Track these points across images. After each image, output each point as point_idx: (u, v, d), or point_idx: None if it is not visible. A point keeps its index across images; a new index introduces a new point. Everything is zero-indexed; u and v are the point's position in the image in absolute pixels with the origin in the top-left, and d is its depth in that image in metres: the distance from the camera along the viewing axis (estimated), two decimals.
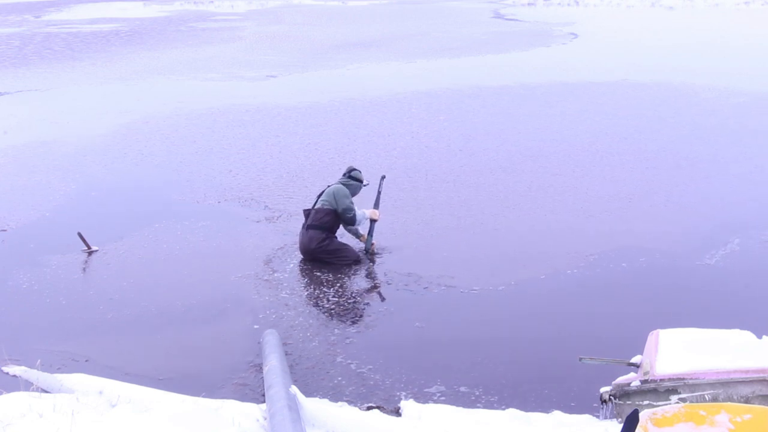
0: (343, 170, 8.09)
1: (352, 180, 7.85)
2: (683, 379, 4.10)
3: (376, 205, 7.93)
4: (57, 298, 6.93)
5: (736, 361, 4.07)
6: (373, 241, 7.85)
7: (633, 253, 7.72)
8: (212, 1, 57.81)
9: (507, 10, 44.87)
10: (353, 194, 7.82)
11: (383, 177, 8.19)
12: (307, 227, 7.60)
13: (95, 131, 13.84)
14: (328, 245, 7.57)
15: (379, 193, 8.03)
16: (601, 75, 19.44)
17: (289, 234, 8.34)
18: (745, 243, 7.95)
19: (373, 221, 7.80)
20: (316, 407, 4.68)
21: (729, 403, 3.72)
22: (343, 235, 7.99)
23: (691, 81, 18.26)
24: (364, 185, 7.98)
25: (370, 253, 7.76)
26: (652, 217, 8.88)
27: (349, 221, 7.67)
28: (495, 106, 15.74)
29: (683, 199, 9.54)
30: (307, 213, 7.71)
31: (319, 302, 6.81)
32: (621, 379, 4.45)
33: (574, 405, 5.06)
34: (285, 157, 11.82)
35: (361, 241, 7.91)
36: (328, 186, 7.82)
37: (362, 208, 7.91)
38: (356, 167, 8.07)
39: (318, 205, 7.62)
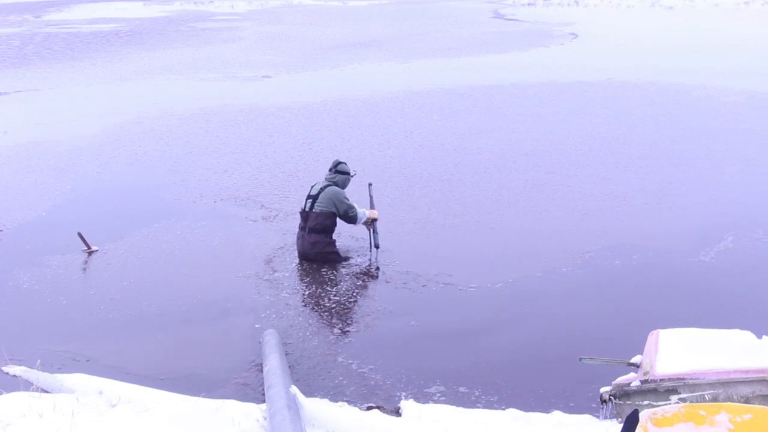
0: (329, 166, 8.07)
1: (340, 174, 7.83)
2: (683, 379, 4.10)
3: (372, 208, 7.96)
4: (57, 298, 6.93)
5: (736, 361, 4.07)
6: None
7: (628, 251, 7.75)
8: (212, 1, 57.84)
9: (507, 10, 44.92)
10: (343, 187, 7.82)
11: (370, 184, 8.22)
12: (308, 231, 7.60)
13: (90, 131, 13.84)
14: (330, 248, 7.63)
15: (371, 197, 8.06)
16: (595, 74, 19.47)
17: (288, 233, 8.34)
18: (739, 241, 8.00)
19: (374, 220, 7.82)
20: (316, 407, 4.69)
21: (729, 403, 3.71)
22: (339, 234, 7.99)
23: (685, 80, 18.33)
24: (352, 176, 7.98)
25: (378, 248, 7.78)
26: (647, 214, 8.91)
27: (352, 220, 7.71)
28: (488, 106, 15.78)
29: (676, 197, 9.56)
30: (304, 215, 7.69)
31: (319, 302, 6.81)
32: (621, 379, 4.45)
33: (574, 405, 5.06)
34: (279, 156, 11.83)
35: (366, 227, 7.91)
36: (321, 189, 7.67)
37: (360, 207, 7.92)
38: (342, 160, 8.04)
39: (316, 210, 7.59)
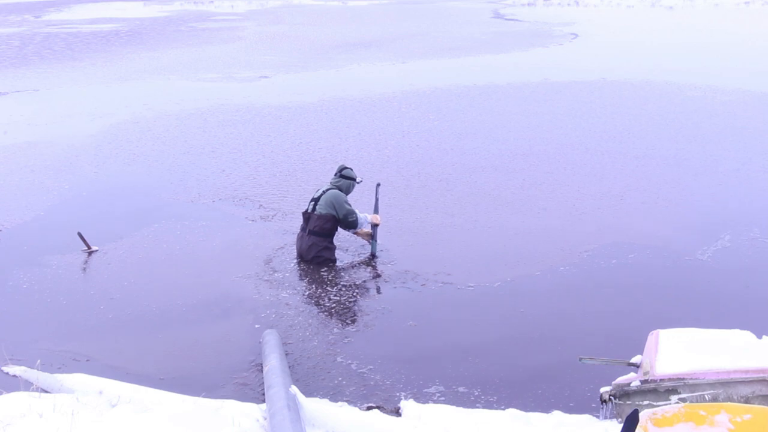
0: (335, 170, 8.07)
1: (344, 178, 7.84)
2: (683, 379, 4.10)
3: (376, 211, 7.95)
4: (57, 298, 6.93)
5: (736, 361, 4.07)
6: (379, 242, 7.87)
7: (625, 250, 7.78)
8: (212, 1, 57.84)
9: (507, 10, 44.91)
10: (347, 192, 7.83)
11: (378, 184, 8.21)
12: (309, 232, 7.61)
13: (88, 131, 13.85)
14: (327, 253, 7.63)
15: (377, 199, 8.05)
16: (594, 74, 19.49)
17: (287, 233, 8.35)
18: (737, 239, 8.04)
19: (375, 226, 7.81)
20: (316, 407, 4.69)
21: (729, 403, 3.72)
22: (338, 234, 7.99)
23: (683, 80, 18.37)
24: (358, 182, 7.98)
25: (376, 257, 7.76)
26: (644, 214, 8.93)
27: (352, 225, 7.71)
28: (486, 106, 15.78)
29: (673, 196, 9.59)
30: (306, 217, 7.70)
31: (319, 301, 6.81)
32: (621, 379, 4.45)
33: (573, 405, 5.06)
34: (277, 156, 11.83)
35: (364, 238, 7.90)
36: (323, 192, 7.73)
37: (362, 212, 7.92)
38: (347, 165, 8.07)
39: (317, 212, 7.62)
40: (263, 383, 5.05)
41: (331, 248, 7.70)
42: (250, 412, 4.66)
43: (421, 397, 5.20)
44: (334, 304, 6.76)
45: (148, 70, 21.97)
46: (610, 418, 4.53)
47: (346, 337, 6.14)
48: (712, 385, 4.03)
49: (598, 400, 4.61)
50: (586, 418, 4.80)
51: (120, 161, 11.80)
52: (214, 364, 5.73)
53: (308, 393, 5.11)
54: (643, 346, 4.49)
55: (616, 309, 6.56)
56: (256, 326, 6.28)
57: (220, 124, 14.30)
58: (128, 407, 4.61)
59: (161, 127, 14.09)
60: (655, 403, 4.10)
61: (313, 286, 7.14)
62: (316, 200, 7.71)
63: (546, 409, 5.02)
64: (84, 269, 7.64)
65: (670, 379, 4.13)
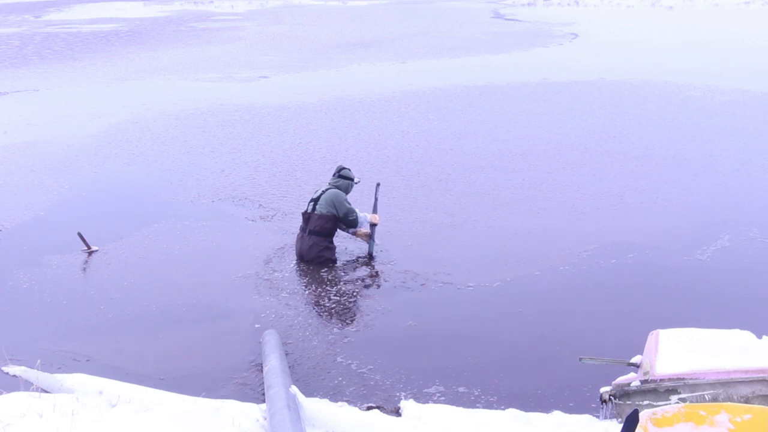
0: (334, 170, 8.08)
1: (343, 179, 7.85)
2: (683, 379, 4.10)
3: (375, 211, 7.96)
4: (57, 298, 6.93)
5: (736, 361, 4.07)
6: (378, 242, 7.87)
7: (625, 250, 7.79)
8: (212, 1, 57.84)
9: (507, 10, 44.92)
10: (346, 192, 7.84)
11: (378, 184, 8.22)
12: (309, 233, 7.62)
13: (88, 131, 13.84)
14: (327, 253, 7.62)
15: (376, 199, 8.05)
16: (593, 74, 19.49)
17: (287, 233, 8.35)
18: (736, 239, 8.04)
19: (373, 225, 7.82)
20: (316, 407, 4.69)
21: (729, 403, 3.72)
22: (337, 234, 7.99)
23: (682, 80, 18.38)
24: (356, 182, 7.99)
25: (374, 257, 7.77)
26: (643, 214, 8.94)
27: (352, 224, 7.72)
28: (485, 105, 15.79)
29: (673, 196, 9.60)
30: (306, 217, 7.70)
31: (319, 302, 6.81)
32: (621, 379, 4.45)
33: (573, 405, 5.07)
34: (276, 156, 11.83)
35: (362, 238, 7.91)
36: (323, 192, 7.75)
37: (362, 212, 7.92)
38: (345, 166, 8.08)
39: (317, 212, 7.62)
40: (263, 383, 5.05)
41: (332, 248, 7.70)
42: (250, 412, 4.66)
43: (421, 397, 5.20)
44: (334, 304, 6.76)
45: (148, 70, 21.97)
46: (610, 418, 4.53)
47: (346, 337, 6.14)
48: (712, 385, 4.03)
49: (598, 400, 4.61)
50: (586, 418, 4.81)
51: (120, 161, 11.80)
52: (214, 364, 5.73)
53: (308, 393, 5.11)
54: (643, 346, 4.49)
55: (616, 309, 6.56)
56: (256, 326, 6.28)
57: (220, 124, 14.30)
58: (128, 407, 4.61)
59: (161, 127, 14.08)
60: (655, 403, 4.10)
61: (313, 286, 7.14)
62: (315, 200, 7.72)
63: (546, 409, 5.02)
64: (84, 269, 7.64)
65: (670, 379, 4.13)
